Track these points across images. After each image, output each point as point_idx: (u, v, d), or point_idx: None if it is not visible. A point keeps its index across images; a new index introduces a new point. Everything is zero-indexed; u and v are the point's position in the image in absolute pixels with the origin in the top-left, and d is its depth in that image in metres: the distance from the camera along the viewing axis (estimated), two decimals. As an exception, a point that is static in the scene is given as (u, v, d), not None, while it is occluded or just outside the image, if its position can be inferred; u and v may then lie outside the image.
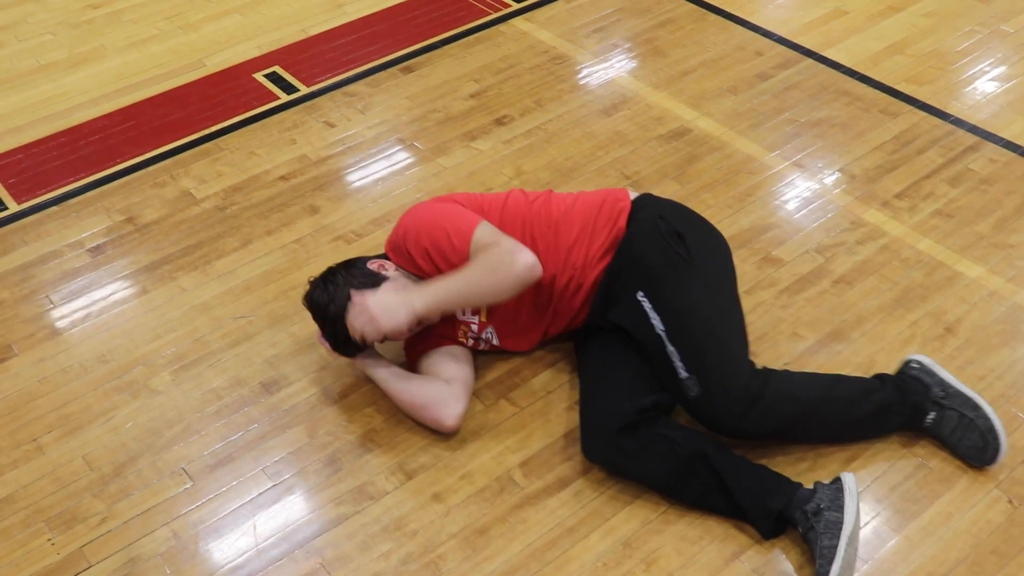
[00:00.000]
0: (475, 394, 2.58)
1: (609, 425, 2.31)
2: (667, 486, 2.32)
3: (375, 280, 2.41)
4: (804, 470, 2.39)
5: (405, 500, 2.37)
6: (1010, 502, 2.33)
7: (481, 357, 2.67)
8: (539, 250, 2.43)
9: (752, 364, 2.36)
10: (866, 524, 2.29)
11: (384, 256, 2.53)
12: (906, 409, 2.41)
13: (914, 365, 2.48)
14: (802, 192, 3.22)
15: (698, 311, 2.37)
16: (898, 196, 3.18)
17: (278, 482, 2.42)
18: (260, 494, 2.40)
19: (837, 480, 2.21)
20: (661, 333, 2.34)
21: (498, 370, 2.66)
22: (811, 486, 2.25)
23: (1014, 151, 3.34)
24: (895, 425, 2.43)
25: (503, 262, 2.30)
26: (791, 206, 3.17)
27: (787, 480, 2.27)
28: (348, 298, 2.36)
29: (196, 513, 2.36)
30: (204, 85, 3.82)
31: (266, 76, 3.85)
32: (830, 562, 2.10)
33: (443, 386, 2.46)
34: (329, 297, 2.40)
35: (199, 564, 2.26)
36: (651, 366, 2.40)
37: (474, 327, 2.54)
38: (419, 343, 2.57)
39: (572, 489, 2.38)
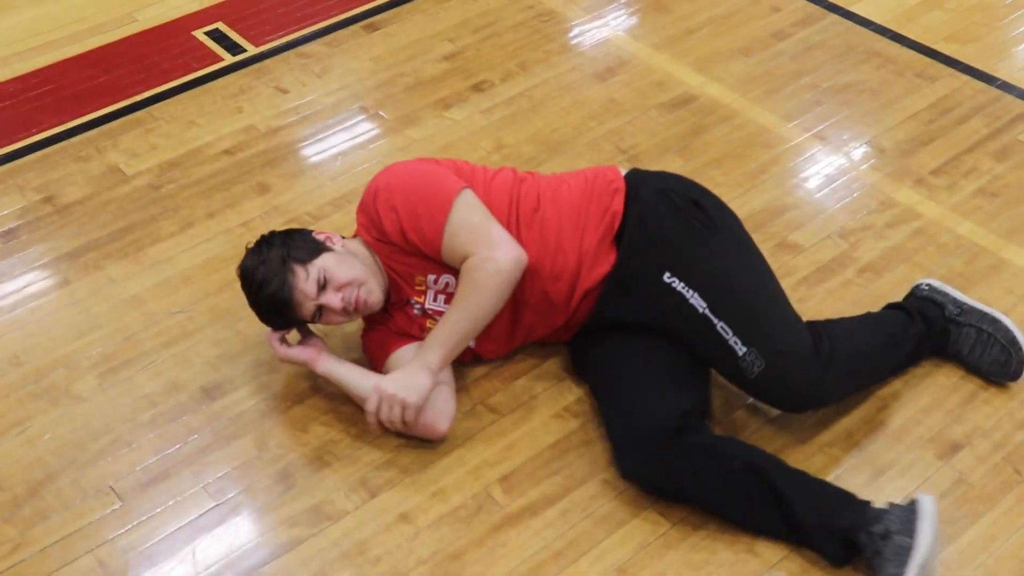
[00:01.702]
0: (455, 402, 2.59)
1: (651, 435, 2.32)
2: (716, 503, 2.34)
3: (316, 249, 2.44)
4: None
5: (368, 521, 2.38)
6: (1060, 521, 2.37)
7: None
8: (523, 241, 2.46)
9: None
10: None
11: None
12: (934, 337, 2.59)
13: (924, 287, 2.65)
14: (824, 168, 3.25)
15: (740, 277, 2.44)
16: (935, 172, 3.20)
17: (221, 501, 2.42)
18: (201, 515, 2.40)
19: (914, 502, 2.21)
20: (705, 311, 2.38)
21: (475, 372, 2.68)
22: (883, 505, 2.25)
23: (1068, 121, 3.39)
24: (927, 355, 2.63)
25: (487, 273, 2.36)
26: (811, 184, 3.19)
27: (855, 497, 2.28)
28: (282, 263, 2.41)
29: (126, 538, 2.36)
30: (135, 43, 3.81)
31: (207, 34, 3.85)
32: None
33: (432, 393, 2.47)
34: (260, 260, 2.44)
35: (130, 596, 2.27)
36: (697, 353, 2.44)
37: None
38: (381, 344, 2.59)
39: (559, 508, 2.39)
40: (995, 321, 2.55)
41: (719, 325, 2.37)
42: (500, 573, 2.28)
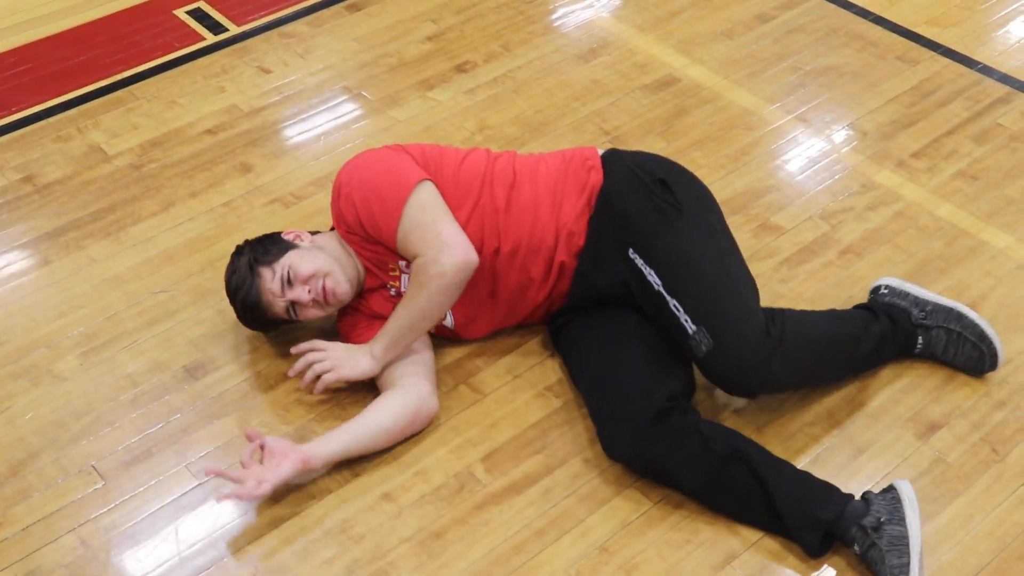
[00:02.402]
0: (436, 386, 2.59)
1: (639, 417, 2.33)
2: (699, 489, 2.34)
3: (281, 249, 2.51)
4: (807, 465, 2.43)
5: (351, 500, 2.38)
6: (1037, 500, 2.39)
7: (437, 337, 2.69)
8: (499, 219, 2.49)
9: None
10: (875, 526, 2.34)
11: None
12: (899, 339, 2.58)
13: (883, 291, 2.66)
14: (806, 150, 3.26)
15: (696, 257, 2.44)
16: (916, 155, 3.22)
17: (204, 481, 2.42)
18: (183, 494, 2.40)
19: (891, 489, 2.24)
20: (659, 288, 2.41)
21: (457, 352, 2.68)
22: (860, 497, 2.27)
23: (1048, 104, 3.41)
24: (889, 357, 2.61)
25: (430, 275, 2.41)
26: (793, 166, 3.21)
27: (837, 489, 2.29)
28: (249, 269, 2.49)
29: (108, 517, 2.36)
30: (115, 22, 3.80)
31: (189, 13, 3.83)
32: None
33: (409, 389, 2.47)
34: (232, 270, 2.53)
35: (112, 575, 2.26)
36: (661, 329, 2.47)
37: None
38: (354, 326, 2.62)
39: (541, 486, 2.41)
40: (961, 317, 2.55)
41: (672, 303, 2.40)
42: (482, 551, 2.29)
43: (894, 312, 2.58)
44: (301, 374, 2.51)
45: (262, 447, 2.31)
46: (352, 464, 2.44)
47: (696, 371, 2.51)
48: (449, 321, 2.60)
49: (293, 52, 3.65)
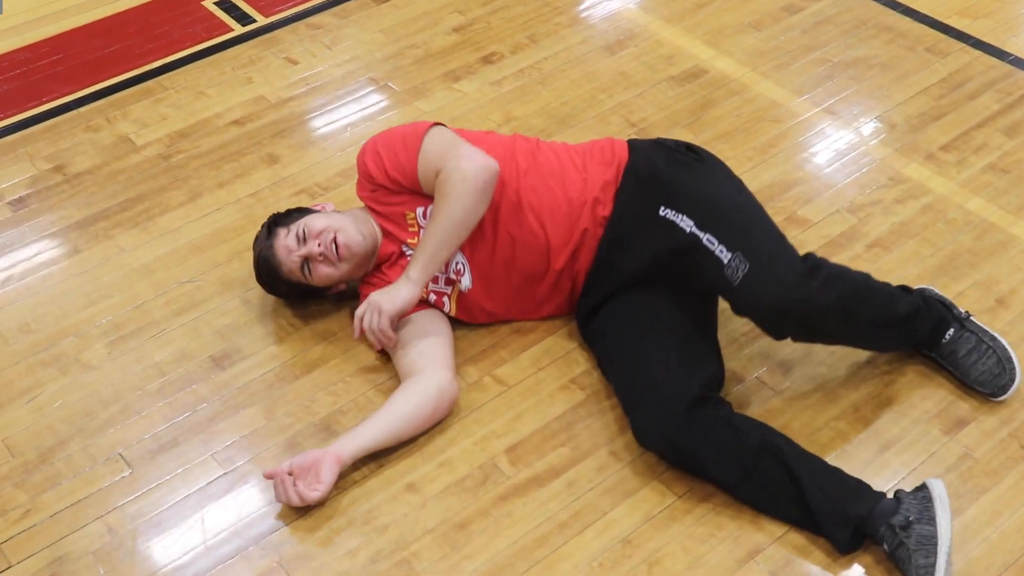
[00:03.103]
0: (455, 371, 2.61)
1: (675, 403, 2.32)
2: (730, 481, 2.33)
3: (301, 213, 2.64)
4: (833, 460, 2.41)
5: (375, 490, 2.39)
6: (1065, 497, 2.38)
7: (463, 328, 2.69)
8: (520, 180, 2.55)
9: None
10: (901, 521, 2.33)
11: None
12: (931, 319, 2.54)
13: (928, 289, 2.64)
14: (834, 143, 3.24)
15: (724, 193, 2.50)
16: (945, 148, 3.20)
17: (230, 470, 2.44)
18: (209, 483, 2.41)
19: (923, 488, 2.23)
20: (692, 229, 2.41)
21: (482, 344, 2.68)
22: (892, 496, 2.26)
23: (1080, 97, 3.38)
24: (921, 335, 2.56)
25: (454, 183, 2.45)
26: (821, 159, 3.19)
27: (868, 486, 2.28)
28: (268, 230, 2.61)
29: (135, 505, 2.37)
30: (145, 12, 3.81)
31: (217, 4, 3.84)
32: None
33: (428, 376, 2.48)
34: (256, 242, 2.66)
35: (138, 563, 2.27)
36: (691, 280, 2.48)
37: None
38: None
39: (565, 479, 2.41)
40: (995, 338, 2.52)
41: (704, 238, 2.39)
42: (505, 543, 2.30)
43: (930, 299, 2.57)
44: (368, 341, 2.59)
45: (290, 474, 2.31)
46: (377, 455, 2.44)
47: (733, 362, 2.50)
48: (467, 281, 2.60)
49: (320, 43, 3.66)
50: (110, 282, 2.87)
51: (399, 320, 2.51)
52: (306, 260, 2.53)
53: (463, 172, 2.44)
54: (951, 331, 2.54)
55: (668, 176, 2.52)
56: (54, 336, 2.74)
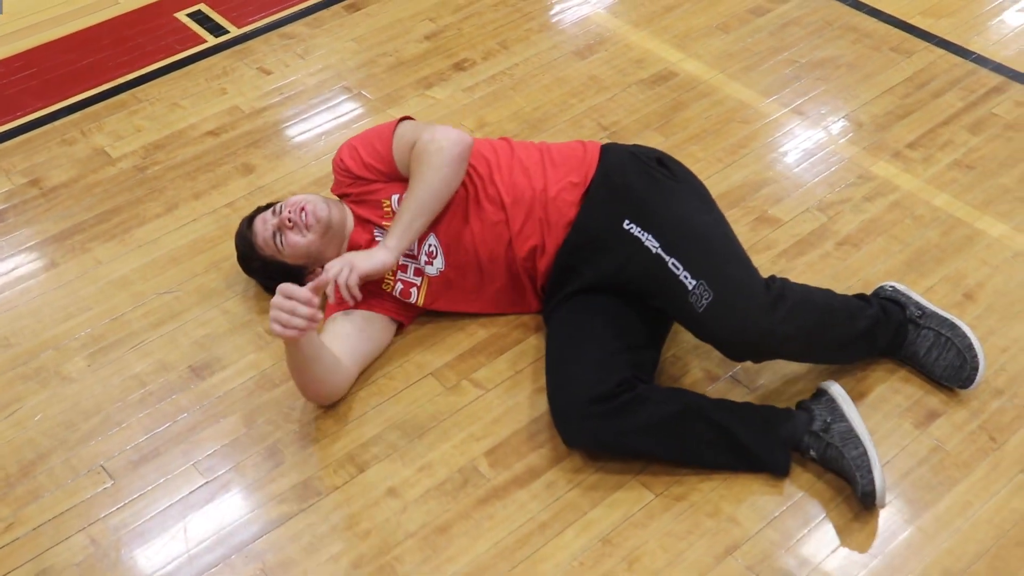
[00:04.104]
0: (434, 374, 2.62)
1: (585, 405, 2.34)
2: (665, 450, 2.38)
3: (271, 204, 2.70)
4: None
5: (356, 496, 2.39)
6: (1034, 487, 2.40)
7: (441, 332, 2.70)
8: (490, 171, 2.60)
9: None
10: (875, 516, 2.34)
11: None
12: (891, 328, 2.56)
13: (888, 288, 2.65)
14: (802, 143, 3.26)
15: (692, 218, 2.49)
16: (911, 146, 3.22)
17: (211, 479, 2.44)
18: (191, 493, 2.41)
19: (822, 392, 2.41)
20: (658, 250, 2.42)
21: (459, 348, 2.69)
22: (797, 408, 2.42)
23: (1042, 93, 3.41)
24: (882, 345, 2.58)
25: (429, 153, 2.50)
26: (790, 159, 3.21)
27: (779, 408, 2.42)
28: (251, 215, 2.69)
29: (118, 516, 2.37)
30: (118, 25, 3.81)
31: (190, 16, 3.84)
32: (870, 469, 2.26)
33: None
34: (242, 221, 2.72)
35: (122, 574, 2.27)
36: (653, 299, 2.48)
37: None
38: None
39: (544, 480, 2.41)
40: (953, 326, 2.53)
41: (670, 262, 2.40)
42: (487, 545, 2.30)
43: (889, 306, 2.58)
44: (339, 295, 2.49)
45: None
46: (357, 460, 2.45)
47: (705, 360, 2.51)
48: (439, 264, 2.61)
49: (293, 53, 3.66)
50: (88, 295, 2.86)
51: (366, 281, 2.50)
52: (278, 229, 2.58)
53: (438, 143, 2.50)
54: (908, 335, 2.57)
55: (638, 190, 2.52)
56: (33, 350, 2.73)
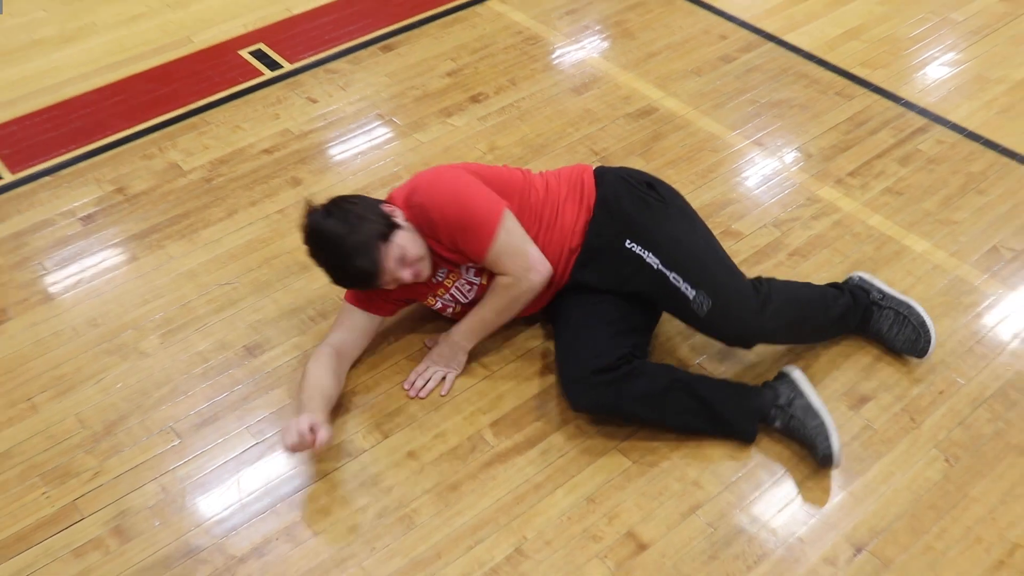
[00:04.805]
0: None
1: (592, 371, 2.35)
2: (654, 417, 2.40)
3: (390, 224, 2.35)
4: (760, 430, 2.43)
5: (381, 457, 2.40)
6: (947, 461, 2.39)
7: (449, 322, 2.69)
8: (540, 232, 2.48)
9: None
10: (815, 480, 2.35)
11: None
12: (859, 311, 2.60)
13: (855, 277, 2.68)
14: (761, 169, 3.26)
15: (686, 236, 2.48)
16: (851, 174, 3.22)
17: (261, 440, 2.44)
18: (244, 451, 2.42)
19: (783, 375, 2.45)
20: (659, 267, 2.41)
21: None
22: (762, 386, 2.44)
23: (960, 133, 3.38)
24: (852, 326, 2.62)
25: (522, 290, 2.44)
26: (751, 182, 3.20)
27: (751, 385, 2.47)
28: (370, 240, 2.30)
29: (183, 469, 2.38)
30: (191, 61, 3.81)
31: (251, 53, 3.84)
32: (827, 436, 2.31)
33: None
34: (347, 229, 2.31)
35: (186, 517, 2.28)
36: (659, 305, 2.51)
37: (456, 287, 2.54)
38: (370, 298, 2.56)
39: (539, 448, 2.42)
40: (910, 307, 2.57)
41: (671, 276, 2.40)
42: (490, 501, 2.31)
43: (857, 291, 2.61)
44: (417, 387, 2.55)
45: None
46: (383, 428, 2.45)
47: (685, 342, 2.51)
48: (474, 296, 2.55)
49: (336, 85, 3.66)
50: (162, 284, 2.87)
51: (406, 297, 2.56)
52: (395, 279, 2.38)
53: (531, 283, 2.43)
54: (876, 315, 2.60)
55: (634, 215, 2.47)
56: (116, 329, 2.74)
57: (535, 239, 2.46)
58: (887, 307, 2.59)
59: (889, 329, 2.59)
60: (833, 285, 2.63)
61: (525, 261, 2.42)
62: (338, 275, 2.39)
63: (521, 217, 2.45)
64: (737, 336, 2.44)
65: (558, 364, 2.49)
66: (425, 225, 2.40)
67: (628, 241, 2.45)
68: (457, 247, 2.41)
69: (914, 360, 2.60)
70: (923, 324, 2.55)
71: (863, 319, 2.61)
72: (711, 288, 2.38)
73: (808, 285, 2.60)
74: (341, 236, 2.31)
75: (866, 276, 2.67)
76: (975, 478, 2.35)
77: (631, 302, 2.51)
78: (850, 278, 2.69)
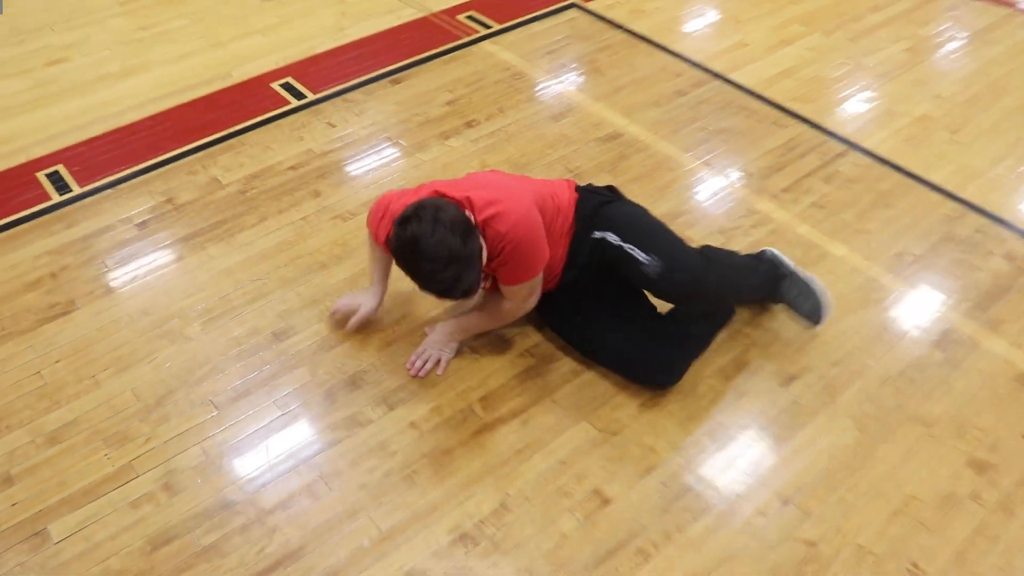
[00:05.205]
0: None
1: (652, 353, 2.44)
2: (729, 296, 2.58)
3: (478, 243, 2.16)
4: (705, 405, 2.44)
5: (387, 427, 2.40)
6: (858, 429, 2.41)
7: (449, 316, 2.70)
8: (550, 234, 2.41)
9: None
10: (751, 445, 2.36)
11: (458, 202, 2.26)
12: (775, 280, 2.66)
13: (768, 252, 2.71)
14: (710, 186, 3.26)
15: (640, 218, 2.48)
16: (784, 190, 3.23)
17: (286, 411, 2.45)
18: (272, 421, 2.42)
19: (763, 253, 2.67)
20: (618, 242, 2.39)
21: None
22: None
23: (872, 158, 3.39)
24: (769, 290, 2.67)
25: (515, 314, 2.48)
26: (700, 196, 3.21)
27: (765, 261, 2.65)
28: (473, 262, 2.12)
29: (221, 435, 2.39)
30: (230, 92, 3.79)
31: (281, 85, 3.83)
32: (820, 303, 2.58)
33: None
34: (452, 246, 2.09)
35: (224, 475, 2.29)
36: (622, 275, 2.41)
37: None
38: None
39: (521, 419, 2.43)
40: (809, 283, 2.63)
41: (627, 247, 2.37)
42: (479, 464, 2.32)
43: (771, 263, 2.65)
44: (417, 367, 2.53)
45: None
46: (388, 401, 2.46)
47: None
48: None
49: (352, 112, 3.65)
50: (203, 280, 2.86)
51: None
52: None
53: (525, 311, 2.47)
54: (785, 283, 2.65)
55: (601, 210, 2.47)
56: (165, 317, 2.73)
57: (554, 239, 2.42)
58: (795, 279, 2.64)
59: (795, 298, 2.65)
60: (753, 256, 2.67)
61: (530, 298, 2.43)
62: (427, 283, 2.14)
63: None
64: (686, 292, 2.36)
65: (626, 371, 2.49)
66: (493, 247, 2.23)
67: (596, 232, 2.44)
68: (495, 269, 2.33)
69: (833, 345, 2.61)
70: (818, 303, 2.61)
71: (775, 289, 2.66)
72: (661, 252, 2.35)
73: (736, 252, 2.64)
74: (446, 252, 2.07)
75: (776, 251, 2.70)
76: (880, 443, 2.37)
77: (608, 282, 2.49)
78: (764, 251, 2.71)
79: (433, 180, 2.51)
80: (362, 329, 2.66)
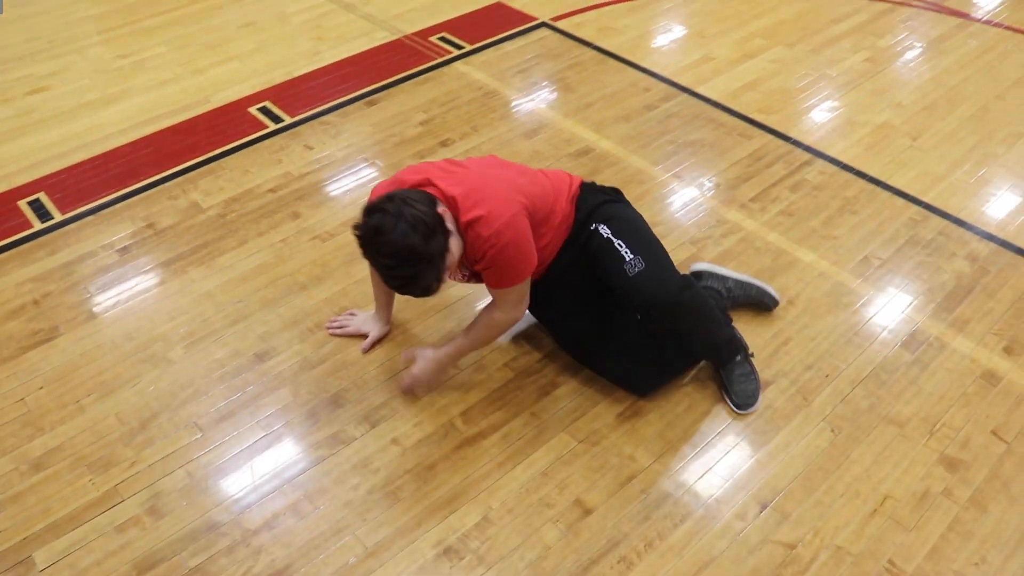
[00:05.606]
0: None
1: (635, 357, 2.42)
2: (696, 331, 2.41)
3: (446, 233, 2.07)
4: (683, 410, 2.42)
5: (370, 444, 2.37)
6: (832, 431, 2.39)
7: (423, 326, 2.67)
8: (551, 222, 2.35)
9: None
10: (728, 451, 2.34)
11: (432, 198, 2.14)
12: (733, 349, 2.47)
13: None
14: (680, 197, 3.25)
15: (634, 221, 2.40)
16: (752, 200, 3.22)
17: (269, 432, 2.40)
18: (255, 441, 2.38)
19: (697, 274, 2.68)
20: (609, 235, 2.32)
21: (442, 336, 2.66)
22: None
23: (837, 166, 3.40)
24: (723, 357, 2.46)
25: (503, 326, 2.33)
26: (672, 207, 3.20)
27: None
28: (436, 259, 2.02)
29: (206, 457, 2.34)
30: (209, 117, 3.75)
31: (258, 109, 3.79)
32: (767, 292, 2.66)
33: None
34: (418, 242, 1.99)
35: (209, 497, 2.25)
36: (603, 270, 2.32)
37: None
38: None
39: (501, 432, 2.40)
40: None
41: (616, 243, 2.31)
42: (461, 477, 2.28)
43: (738, 339, 2.51)
44: (410, 387, 2.46)
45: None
46: (371, 419, 2.42)
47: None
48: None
49: (328, 134, 3.62)
50: (185, 303, 2.81)
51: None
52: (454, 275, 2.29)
53: (513, 322, 2.32)
54: (738, 359, 2.47)
55: (599, 206, 2.40)
56: (148, 341, 2.68)
57: (545, 235, 2.34)
58: (749, 362, 2.48)
59: (739, 377, 2.46)
60: (728, 319, 2.56)
61: (518, 307, 2.31)
62: (389, 277, 2.06)
63: (536, 222, 2.31)
64: (654, 302, 2.24)
65: (611, 375, 2.46)
66: (475, 250, 2.16)
67: (593, 225, 2.37)
68: (479, 272, 2.25)
69: (806, 350, 2.60)
70: (756, 392, 2.45)
71: (731, 355, 2.46)
72: (646, 255, 2.29)
73: (715, 307, 2.47)
74: (409, 249, 1.98)
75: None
76: (854, 444, 2.36)
77: (589, 280, 2.41)
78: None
79: (439, 160, 2.32)
80: (344, 347, 2.62)
